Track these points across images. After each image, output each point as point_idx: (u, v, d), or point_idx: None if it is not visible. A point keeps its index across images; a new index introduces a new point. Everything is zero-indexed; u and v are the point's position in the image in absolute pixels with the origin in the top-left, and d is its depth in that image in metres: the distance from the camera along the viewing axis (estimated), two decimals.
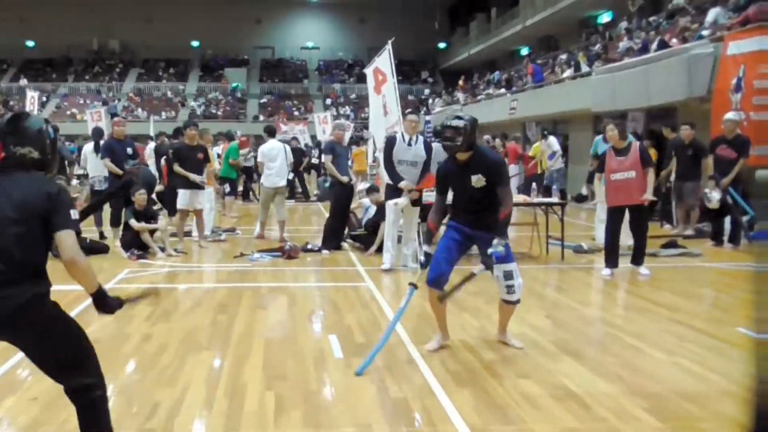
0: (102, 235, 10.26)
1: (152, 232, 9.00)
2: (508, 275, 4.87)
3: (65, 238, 2.69)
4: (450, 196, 5.03)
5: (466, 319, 5.91)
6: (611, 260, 7.89)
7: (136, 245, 8.80)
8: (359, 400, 4.00)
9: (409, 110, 9.17)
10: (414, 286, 4.97)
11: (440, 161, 10.89)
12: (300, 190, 18.46)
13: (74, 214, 2.74)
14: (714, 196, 10.05)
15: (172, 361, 4.67)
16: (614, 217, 7.85)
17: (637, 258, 7.96)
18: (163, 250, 8.97)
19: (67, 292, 6.67)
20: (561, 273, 8.23)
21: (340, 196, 9.60)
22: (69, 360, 2.81)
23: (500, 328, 5.22)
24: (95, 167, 10.44)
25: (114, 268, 8.12)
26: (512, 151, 17.94)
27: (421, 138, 8.11)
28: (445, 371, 4.53)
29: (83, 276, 2.76)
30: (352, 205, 10.64)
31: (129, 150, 9.89)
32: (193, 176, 9.36)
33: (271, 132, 11.40)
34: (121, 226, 9.35)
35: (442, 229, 5.25)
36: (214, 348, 4.99)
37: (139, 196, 8.98)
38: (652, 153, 12.65)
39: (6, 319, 2.60)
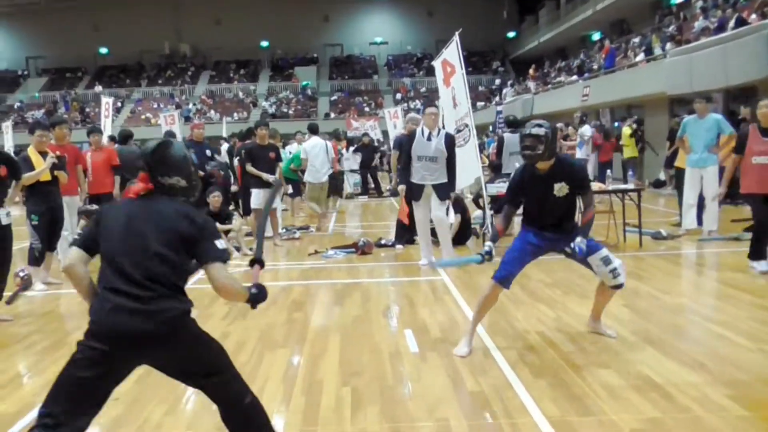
0: None
1: (227, 232, 9.20)
2: (606, 261, 4.74)
3: (214, 271, 2.77)
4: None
5: (542, 310, 5.82)
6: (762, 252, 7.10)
7: None
8: (436, 394, 3.99)
9: (428, 104, 8.93)
10: (483, 257, 4.86)
11: (513, 152, 10.83)
12: (373, 185, 18.57)
13: (220, 243, 2.82)
14: None
15: (249, 358, 4.77)
16: (761, 207, 7.00)
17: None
18: (238, 249, 9.17)
19: None
20: (639, 261, 7.99)
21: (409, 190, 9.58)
22: (213, 370, 2.90)
23: (594, 316, 5.11)
24: None
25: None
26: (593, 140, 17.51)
27: (443, 132, 7.91)
28: (522, 363, 4.47)
29: (234, 297, 2.92)
30: None
31: (208, 152, 10.14)
32: (266, 176, 9.53)
33: (314, 130, 11.49)
34: None
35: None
36: (290, 345, 5.07)
37: (214, 198, 9.20)
38: (730, 136, 12.18)
39: (161, 333, 2.68)
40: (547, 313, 5.73)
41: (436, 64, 9.84)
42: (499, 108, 29.61)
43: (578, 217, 4.86)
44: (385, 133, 26.16)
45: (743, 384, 3.95)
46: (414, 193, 7.95)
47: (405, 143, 8.10)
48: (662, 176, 16.56)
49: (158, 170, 2.84)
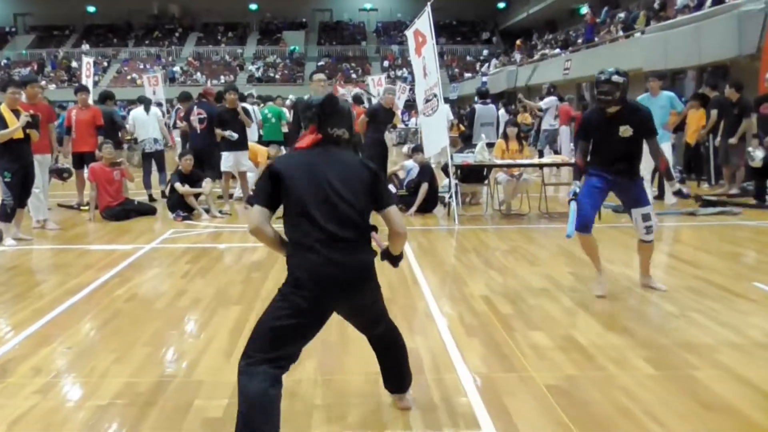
0: (151, 198, 10.71)
1: (197, 195, 9.36)
2: (646, 217, 5.27)
3: (394, 214, 2.94)
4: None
5: (492, 276, 6.05)
6: None
7: (182, 207, 9.19)
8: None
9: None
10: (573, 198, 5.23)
11: (483, 122, 10.99)
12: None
13: (392, 189, 3.02)
14: (757, 155, 9.87)
15: (201, 314, 4.97)
16: None
17: None
18: (208, 211, 9.33)
19: (109, 252, 7.14)
20: (595, 232, 8.21)
21: (374, 157, 9.73)
22: (384, 311, 3.19)
23: (643, 271, 5.57)
24: (145, 131, 10.90)
25: (161, 229, 8.54)
26: (564, 113, 17.65)
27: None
28: (460, 324, 4.70)
29: (402, 244, 3.07)
30: (394, 168, 10.82)
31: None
32: (227, 132, 9.65)
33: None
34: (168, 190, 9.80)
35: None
36: (243, 302, 5.27)
37: (185, 161, 9.34)
38: (700, 114, 12.40)
39: (362, 278, 2.87)
40: (496, 278, 5.96)
41: (409, 33, 9.95)
42: (484, 79, 29.67)
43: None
44: (370, 101, 26.17)
45: (661, 347, 4.20)
46: None
47: (380, 113, 8.18)
48: None
49: (328, 121, 2.90)
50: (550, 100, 16.40)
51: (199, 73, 41.02)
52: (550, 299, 5.28)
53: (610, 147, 5.17)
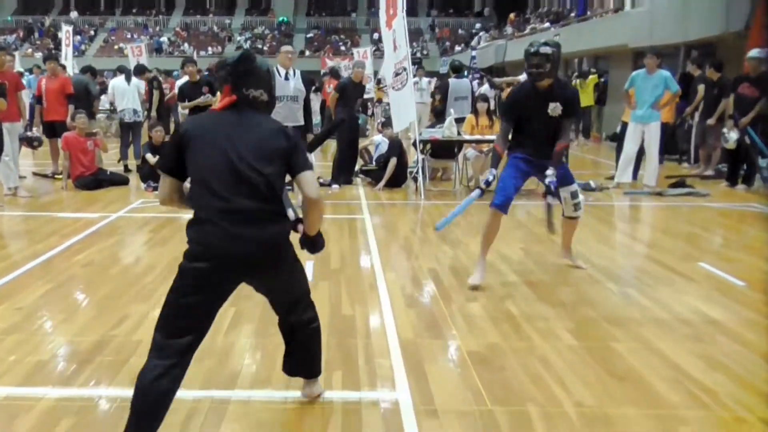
0: (126, 168, 10.82)
1: None
2: (575, 194, 5.39)
3: (309, 178, 2.72)
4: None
5: (443, 250, 6.21)
6: None
7: (153, 178, 9.29)
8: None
9: (286, 43, 8.70)
10: (483, 190, 5.20)
11: (458, 97, 11.06)
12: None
13: (307, 155, 2.81)
14: (731, 136, 9.93)
15: (153, 281, 5.12)
16: None
17: None
18: None
19: (76, 219, 7.26)
20: (556, 209, 8.40)
21: (344, 131, 9.86)
22: (300, 296, 2.99)
23: (565, 248, 5.70)
24: (125, 101, 10.94)
25: (130, 199, 8.66)
26: None
27: (298, 72, 7.90)
28: (401, 295, 4.87)
29: (319, 215, 2.84)
30: (364, 143, 10.94)
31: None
32: (199, 100, 9.72)
33: None
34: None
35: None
36: None
37: (156, 133, 9.45)
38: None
39: (266, 254, 2.66)
40: (447, 252, 6.13)
41: (381, 3, 9.96)
42: (473, 53, 29.62)
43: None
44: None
45: (589, 321, 4.39)
46: None
47: (349, 88, 8.15)
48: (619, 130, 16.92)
49: (243, 82, 2.71)
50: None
51: (186, 44, 40.75)
52: (495, 273, 5.45)
53: (538, 126, 5.10)
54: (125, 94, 10.98)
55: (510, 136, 5.20)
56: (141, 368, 2.60)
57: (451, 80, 11.46)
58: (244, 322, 4.28)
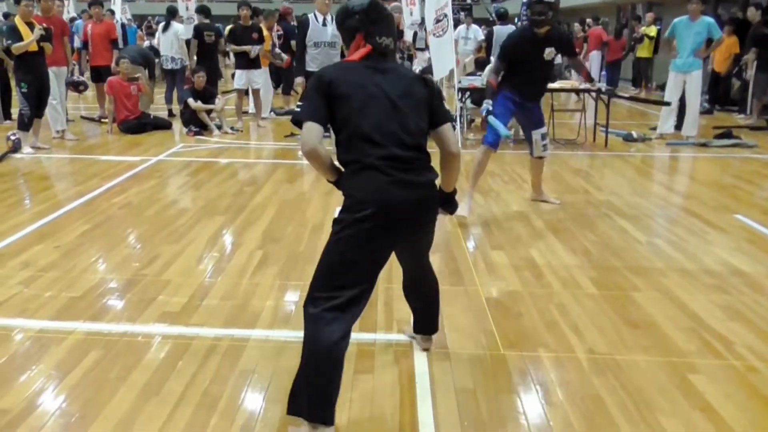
0: (170, 113, 10.99)
1: (209, 111, 9.60)
2: (544, 136, 5.84)
3: (450, 130, 2.63)
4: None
5: (475, 199, 6.14)
6: None
7: (194, 122, 9.46)
8: None
9: None
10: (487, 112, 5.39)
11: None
12: None
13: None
14: None
15: (185, 223, 5.27)
16: None
17: None
18: (219, 128, 9.59)
19: (118, 162, 7.45)
20: (596, 159, 8.30)
21: None
22: (431, 242, 2.84)
23: (535, 187, 6.07)
24: (165, 46, 11.06)
25: (172, 143, 8.83)
26: (595, 37, 17.25)
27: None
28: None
29: (457, 168, 2.69)
30: None
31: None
32: (245, 48, 9.74)
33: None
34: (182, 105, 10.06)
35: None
36: (228, 214, 5.55)
37: (198, 78, 9.55)
38: (733, 41, 12.08)
39: (427, 202, 2.54)
40: (479, 200, 6.11)
41: None
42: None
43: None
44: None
45: (612, 270, 4.37)
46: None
47: (300, 31, 7.84)
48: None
49: (376, 30, 2.57)
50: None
51: None
52: (523, 222, 5.44)
53: (531, 69, 5.44)
54: (167, 40, 11.10)
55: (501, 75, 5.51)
56: (310, 332, 2.44)
57: (496, 27, 11.25)
58: (270, 264, 4.40)
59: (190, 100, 9.50)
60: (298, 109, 2.67)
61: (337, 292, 2.44)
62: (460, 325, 3.53)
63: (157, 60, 11.96)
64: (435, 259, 4.46)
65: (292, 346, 3.25)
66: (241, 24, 9.96)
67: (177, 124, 10.10)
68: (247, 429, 2.57)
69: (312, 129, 2.40)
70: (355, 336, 3.34)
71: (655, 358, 3.18)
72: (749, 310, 3.74)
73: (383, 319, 3.59)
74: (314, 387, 2.41)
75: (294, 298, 3.83)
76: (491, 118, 5.31)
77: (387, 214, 2.41)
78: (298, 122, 2.45)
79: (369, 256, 2.46)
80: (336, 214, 2.54)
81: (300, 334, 3.29)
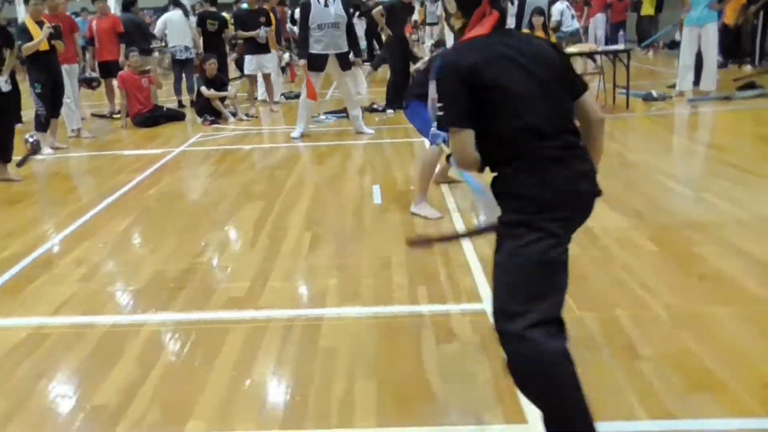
0: (180, 104, 10.90)
1: (223, 99, 9.52)
2: None
3: (591, 97, 2.27)
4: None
5: None
6: None
7: (209, 112, 9.38)
8: (385, 237, 4.44)
9: None
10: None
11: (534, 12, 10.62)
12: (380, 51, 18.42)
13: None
14: None
15: (226, 209, 5.24)
16: None
17: None
18: (234, 115, 9.52)
19: (140, 156, 7.40)
20: (619, 121, 8.24)
21: (395, 53, 9.72)
22: None
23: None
24: (178, 36, 10.77)
25: (188, 134, 8.76)
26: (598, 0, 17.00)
27: None
28: (473, 213, 4.87)
29: (603, 136, 2.32)
30: (416, 65, 10.76)
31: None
32: (253, 33, 9.63)
33: None
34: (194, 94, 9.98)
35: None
36: (266, 198, 5.50)
37: (210, 65, 9.46)
38: None
39: (596, 189, 2.15)
40: None
41: None
42: None
43: None
44: None
45: (667, 227, 4.34)
46: (316, 63, 7.72)
47: (301, 14, 7.74)
48: (677, 37, 16.32)
49: None
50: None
51: None
52: None
53: None
54: (179, 30, 10.74)
55: None
56: (526, 354, 1.96)
57: None
58: (322, 244, 4.37)
59: (203, 89, 9.42)
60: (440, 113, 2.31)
61: (545, 305, 1.99)
62: None
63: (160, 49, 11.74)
64: None
65: (365, 322, 3.24)
66: (248, 8, 9.85)
67: (190, 115, 10.02)
68: (346, 404, 2.55)
69: (467, 139, 2.10)
70: (427, 308, 3.36)
71: (735, 308, 3.15)
72: None
73: (450, 291, 3.55)
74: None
75: (356, 277, 3.80)
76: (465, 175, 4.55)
77: (573, 212, 2.11)
78: (444, 126, 2.27)
79: (563, 258, 2.07)
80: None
81: (371, 309, 3.28)
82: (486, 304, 3.35)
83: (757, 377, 2.58)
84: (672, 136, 7.52)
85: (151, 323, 3.34)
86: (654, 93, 9.54)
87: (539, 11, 9.89)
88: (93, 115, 10.83)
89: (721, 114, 8.36)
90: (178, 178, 6.41)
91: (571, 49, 9.68)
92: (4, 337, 3.28)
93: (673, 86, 10.07)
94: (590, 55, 9.97)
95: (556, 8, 12.84)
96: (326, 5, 7.61)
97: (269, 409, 2.57)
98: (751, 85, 9.49)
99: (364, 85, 11.60)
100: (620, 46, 9.91)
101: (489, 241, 4.03)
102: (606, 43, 14.04)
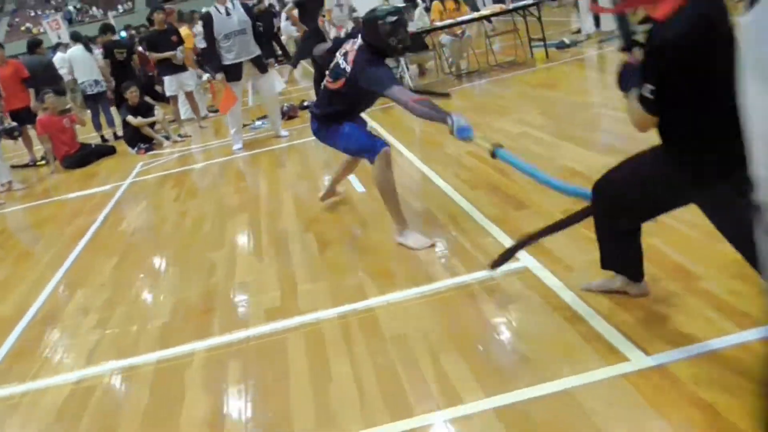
0: (103, 139, 10.51)
1: (152, 124, 9.24)
2: None
3: None
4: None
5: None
6: None
7: (140, 140, 9.09)
8: (391, 223, 4.41)
9: None
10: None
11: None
12: (280, 52, 18.24)
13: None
14: None
15: (212, 227, 5.11)
16: None
17: None
18: (168, 138, 9.25)
19: (90, 196, 7.11)
20: (548, 71, 8.49)
21: (313, 45, 9.65)
22: None
23: (336, 184, 4.97)
24: (84, 72, 10.41)
25: (128, 166, 8.46)
26: None
27: (237, 3, 7.58)
28: (459, 180, 4.93)
29: None
30: (320, 46, 10.72)
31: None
32: (167, 54, 9.38)
33: None
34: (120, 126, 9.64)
35: None
36: (247, 210, 5.39)
37: (131, 94, 9.15)
38: None
39: None
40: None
41: None
42: None
43: None
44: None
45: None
46: (232, 74, 7.57)
47: (206, 29, 7.56)
48: None
49: None
50: None
51: (95, 8, 38.88)
52: (532, 140, 5.54)
53: None
54: (85, 64, 10.40)
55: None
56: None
57: None
58: (330, 240, 4.33)
59: (130, 118, 9.11)
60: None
61: None
62: (555, 241, 3.57)
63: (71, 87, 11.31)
64: (481, 194, 4.53)
65: (417, 302, 3.25)
66: (156, 29, 9.57)
67: (120, 147, 9.67)
68: (444, 383, 2.54)
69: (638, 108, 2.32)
70: (470, 276, 3.38)
71: None
72: None
73: (482, 257, 3.58)
74: None
75: (383, 263, 3.78)
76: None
77: None
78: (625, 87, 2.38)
79: None
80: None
81: (417, 291, 3.29)
82: (524, 262, 3.41)
83: None
84: (602, 75, 7.80)
85: (200, 350, 3.23)
86: (566, 40, 9.88)
87: None
88: (14, 166, 10.27)
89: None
90: (143, 208, 6.20)
91: (483, 12, 9.90)
92: (44, 400, 3.12)
93: (577, 32, 10.47)
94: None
95: None
96: (228, 14, 7.48)
97: (370, 404, 2.54)
98: (647, 19, 9.93)
99: (283, 85, 11.46)
100: (529, 1, 10.17)
101: (497, 206, 4.08)
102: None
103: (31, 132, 9.60)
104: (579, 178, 4.41)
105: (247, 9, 7.77)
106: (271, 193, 5.71)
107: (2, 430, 2.97)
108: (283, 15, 16.01)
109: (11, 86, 9.59)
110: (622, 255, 2.78)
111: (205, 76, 12.27)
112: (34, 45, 10.66)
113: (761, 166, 1.26)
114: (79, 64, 10.39)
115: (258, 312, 3.51)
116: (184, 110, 10.46)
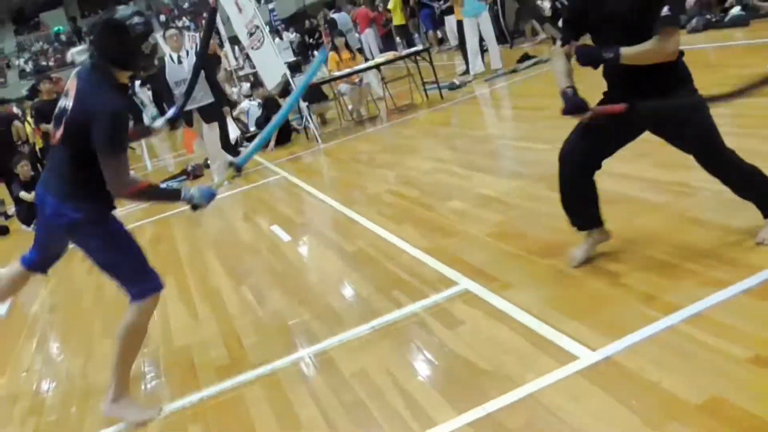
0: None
1: None
2: None
3: None
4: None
5: (382, 173, 6.42)
6: None
7: (35, 216, 8.71)
8: (326, 266, 4.49)
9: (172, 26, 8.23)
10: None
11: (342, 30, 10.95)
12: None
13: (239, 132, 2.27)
14: (545, 5, 11.07)
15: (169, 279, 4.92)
16: None
17: None
18: None
19: None
20: (445, 111, 8.84)
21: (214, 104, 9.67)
22: None
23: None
24: None
25: (26, 244, 8.02)
26: (363, 17, 17.61)
27: (191, 51, 7.82)
28: (384, 217, 5.03)
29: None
30: (234, 113, 10.76)
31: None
32: None
33: None
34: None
35: None
36: (170, 272, 5.21)
37: (22, 168, 8.79)
38: None
39: None
40: (388, 173, 6.34)
41: None
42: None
43: None
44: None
45: (552, 176, 4.77)
46: (185, 119, 7.59)
47: (160, 77, 7.69)
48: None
49: None
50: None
51: None
52: (445, 173, 5.76)
53: None
54: None
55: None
56: None
57: (335, 15, 11.50)
58: (267, 292, 4.33)
59: (23, 194, 8.72)
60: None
61: None
62: (486, 261, 3.73)
63: None
64: (408, 227, 4.66)
65: (369, 337, 3.29)
66: (44, 99, 9.28)
67: (13, 226, 9.23)
68: (417, 413, 2.58)
69: None
70: (417, 306, 3.46)
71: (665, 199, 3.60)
72: None
73: (422, 285, 3.69)
74: None
75: (323, 304, 3.82)
76: None
77: None
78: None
79: None
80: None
81: (368, 326, 3.36)
82: (464, 284, 3.53)
83: None
84: (495, 110, 8.23)
85: (247, 380, 3.22)
86: (456, 81, 10.38)
87: (339, 33, 10.44)
88: None
89: (516, 84, 9.24)
90: (54, 285, 5.86)
91: (378, 59, 10.22)
92: None
93: (464, 73, 11.03)
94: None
95: None
96: (179, 62, 7.47)
97: (450, 395, 2.62)
98: (526, 57, 10.60)
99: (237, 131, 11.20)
100: (419, 47, 10.68)
101: (426, 237, 4.17)
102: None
103: None
104: (495, 203, 4.65)
105: (200, 56, 7.62)
106: (193, 254, 5.63)
107: None
108: None
109: None
110: (589, 209, 3.31)
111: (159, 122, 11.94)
112: None
113: None
114: None
115: (208, 372, 3.44)
116: None
